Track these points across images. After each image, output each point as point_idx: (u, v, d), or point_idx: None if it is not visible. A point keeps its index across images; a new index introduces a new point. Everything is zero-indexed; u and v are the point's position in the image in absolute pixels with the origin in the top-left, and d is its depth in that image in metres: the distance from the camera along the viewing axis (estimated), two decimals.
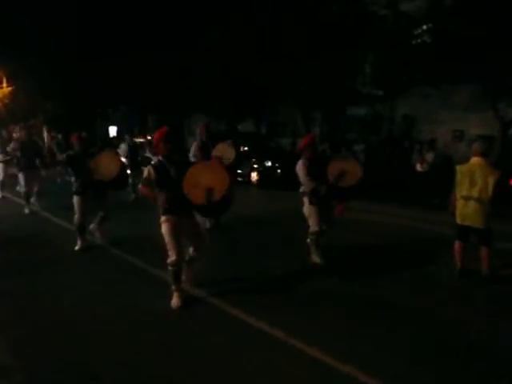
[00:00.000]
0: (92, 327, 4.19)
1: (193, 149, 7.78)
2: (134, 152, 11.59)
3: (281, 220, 8.88)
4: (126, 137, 12.36)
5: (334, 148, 13.77)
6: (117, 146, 12.56)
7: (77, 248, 6.67)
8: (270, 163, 13.65)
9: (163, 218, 4.58)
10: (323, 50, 14.97)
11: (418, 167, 11.98)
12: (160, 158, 4.66)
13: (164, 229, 4.58)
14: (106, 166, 6.22)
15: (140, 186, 4.71)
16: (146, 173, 4.59)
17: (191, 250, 4.90)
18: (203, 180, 4.36)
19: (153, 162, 4.72)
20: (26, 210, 9.35)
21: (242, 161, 6.70)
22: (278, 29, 15.45)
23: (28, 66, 20.73)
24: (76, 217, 6.61)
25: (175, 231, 4.55)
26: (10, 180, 10.74)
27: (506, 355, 3.72)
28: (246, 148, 13.52)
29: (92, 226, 7.01)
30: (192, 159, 7.32)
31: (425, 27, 14.70)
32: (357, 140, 18.13)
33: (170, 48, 19.82)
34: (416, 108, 17.46)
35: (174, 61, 19.92)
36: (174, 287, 4.69)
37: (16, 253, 6.64)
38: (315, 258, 6.03)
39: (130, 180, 10.46)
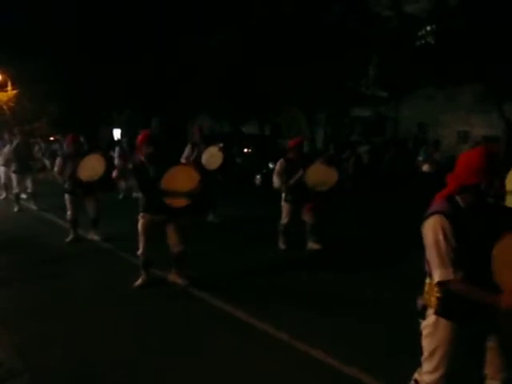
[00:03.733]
0: (94, 327, 4.17)
1: (186, 151, 8.08)
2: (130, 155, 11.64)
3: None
4: (123, 140, 12.53)
5: (338, 149, 13.74)
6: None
7: (67, 240, 7.05)
8: (273, 165, 13.62)
9: (140, 215, 4.99)
10: (327, 52, 14.96)
11: (425, 168, 11.68)
12: (141, 158, 4.92)
13: (139, 225, 5.00)
14: (92, 167, 6.46)
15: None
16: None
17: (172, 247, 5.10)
18: (176, 182, 4.72)
19: (134, 162, 5.03)
20: (15, 209, 9.79)
21: (231, 165, 7.01)
22: (281, 30, 15.44)
23: (32, 69, 20.77)
24: (68, 213, 7.04)
25: (147, 228, 4.96)
26: (11, 182, 10.82)
27: None
28: (249, 149, 13.51)
29: (90, 233, 7.24)
30: (183, 161, 7.72)
31: (429, 28, 14.70)
32: (361, 141, 18.08)
33: (174, 50, 19.85)
34: (420, 109, 17.40)
35: (178, 63, 19.95)
36: (142, 271, 5.15)
37: (17, 252, 6.64)
38: (281, 245, 6.72)
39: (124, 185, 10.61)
